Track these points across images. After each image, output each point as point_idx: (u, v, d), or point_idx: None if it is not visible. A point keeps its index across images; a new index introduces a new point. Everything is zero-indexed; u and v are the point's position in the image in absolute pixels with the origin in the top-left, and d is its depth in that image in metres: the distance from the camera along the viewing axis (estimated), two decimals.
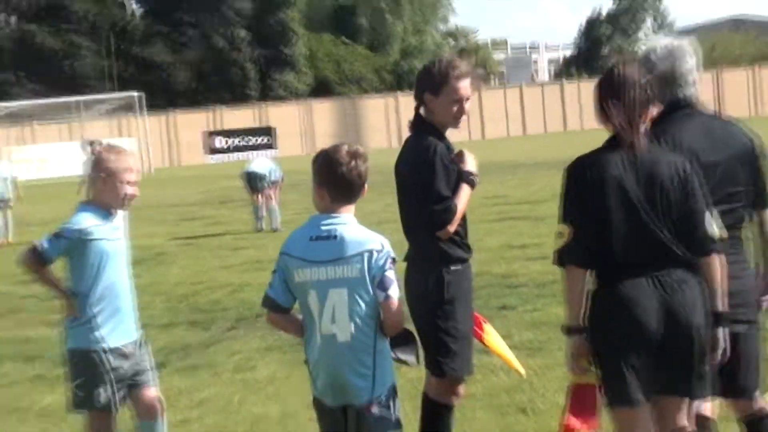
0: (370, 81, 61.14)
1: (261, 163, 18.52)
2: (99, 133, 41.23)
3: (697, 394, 3.95)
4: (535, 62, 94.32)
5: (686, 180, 3.84)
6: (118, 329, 4.81)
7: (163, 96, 53.50)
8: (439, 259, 4.79)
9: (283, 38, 58.91)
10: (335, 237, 4.05)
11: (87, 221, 4.78)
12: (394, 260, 4.06)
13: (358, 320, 4.07)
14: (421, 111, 4.88)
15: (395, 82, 60.70)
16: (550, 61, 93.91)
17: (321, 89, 59.85)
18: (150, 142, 46.57)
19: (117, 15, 60.45)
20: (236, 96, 55.83)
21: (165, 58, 57.65)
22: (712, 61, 55.02)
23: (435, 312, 4.82)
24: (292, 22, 59.18)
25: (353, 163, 4.07)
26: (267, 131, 50.96)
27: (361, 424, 4.11)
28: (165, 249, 15.18)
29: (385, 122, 53.13)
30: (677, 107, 4.05)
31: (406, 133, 5.10)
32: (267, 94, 57.58)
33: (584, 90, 48.83)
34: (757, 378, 4.21)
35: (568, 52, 78.81)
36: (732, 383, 4.09)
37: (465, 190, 4.77)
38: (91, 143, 21.26)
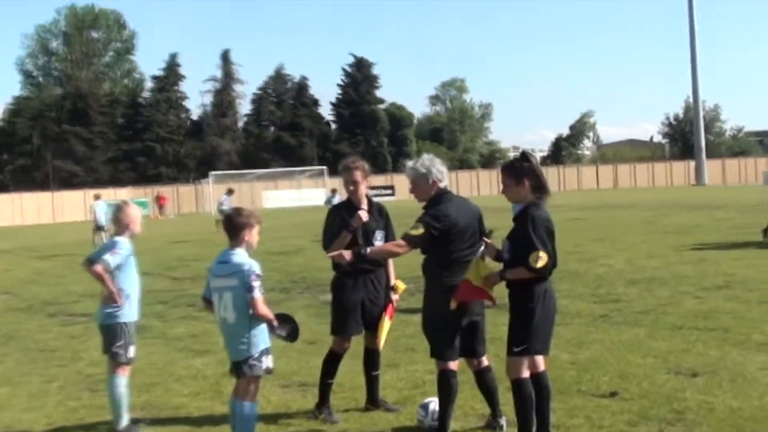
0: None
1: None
2: (307, 184, 68.20)
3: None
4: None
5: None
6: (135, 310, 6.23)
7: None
8: (336, 271, 6.37)
9: (405, 141, 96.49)
10: (227, 262, 5.12)
11: (128, 245, 6.05)
12: (258, 275, 5.00)
13: (238, 310, 5.02)
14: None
15: (459, 166, 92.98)
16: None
17: None
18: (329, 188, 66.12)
19: (324, 129, 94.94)
20: (380, 170, 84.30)
21: (347, 151, 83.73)
22: None
23: (334, 296, 6.45)
24: (409, 134, 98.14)
25: (238, 218, 5.15)
26: (391, 188, 75.14)
27: (242, 371, 5.10)
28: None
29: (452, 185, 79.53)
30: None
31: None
32: (395, 169, 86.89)
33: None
34: (484, 345, 5.76)
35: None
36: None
37: (342, 234, 6.14)
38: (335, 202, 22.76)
